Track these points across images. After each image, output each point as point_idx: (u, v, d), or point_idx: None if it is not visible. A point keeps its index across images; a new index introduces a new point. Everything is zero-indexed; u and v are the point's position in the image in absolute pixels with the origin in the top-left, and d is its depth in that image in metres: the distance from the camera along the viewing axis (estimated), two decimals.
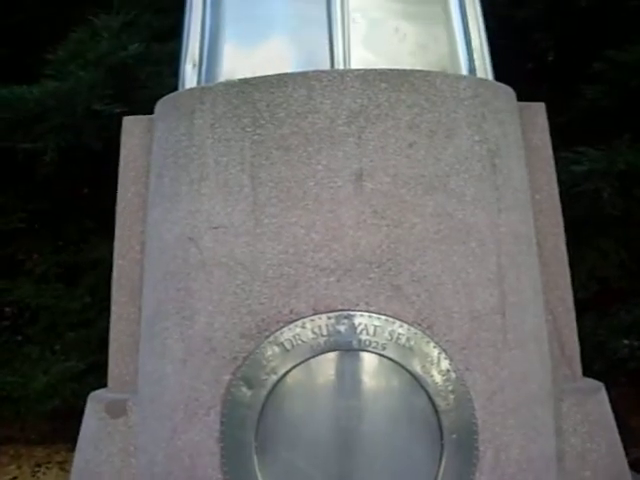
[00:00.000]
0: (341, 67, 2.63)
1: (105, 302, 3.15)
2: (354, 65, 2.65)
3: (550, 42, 5.73)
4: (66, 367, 5.72)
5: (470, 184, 2.62)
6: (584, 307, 3.95)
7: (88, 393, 3.02)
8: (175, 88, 3.10)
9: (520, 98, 3.04)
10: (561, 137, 3.34)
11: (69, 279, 6.40)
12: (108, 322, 3.02)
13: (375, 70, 2.55)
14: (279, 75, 2.56)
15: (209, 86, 2.73)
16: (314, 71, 2.55)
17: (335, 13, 2.67)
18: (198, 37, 2.97)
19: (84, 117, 5.01)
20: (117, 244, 3.06)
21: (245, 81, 2.60)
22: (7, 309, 7.06)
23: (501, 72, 3.17)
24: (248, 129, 2.55)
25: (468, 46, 2.99)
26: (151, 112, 3.03)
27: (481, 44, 3.09)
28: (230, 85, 2.63)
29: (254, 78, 2.59)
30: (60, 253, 6.38)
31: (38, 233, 6.42)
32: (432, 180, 2.55)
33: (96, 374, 4.92)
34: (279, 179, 2.51)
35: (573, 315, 3.00)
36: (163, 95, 2.97)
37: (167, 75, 4.96)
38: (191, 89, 2.85)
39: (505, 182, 2.74)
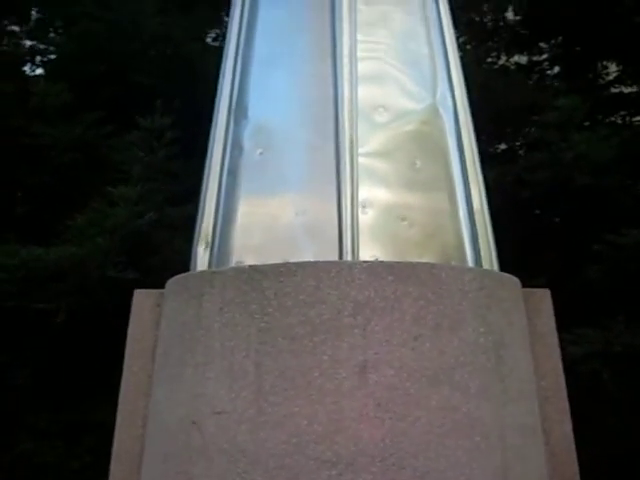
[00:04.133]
0: (349, 258, 2.69)
1: (105, 465, 3.10)
2: (362, 256, 2.72)
3: (553, 222, 5.90)
4: None
5: (475, 376, 2.62)
6: None
7: None
8: (187, 255, 3.18)
9: (524, 275, 3.09)
10: (559, 317, 3.37)
11: (70, 437, 6.30)
12: None
13: (382, 263, 2.61)
14: (288, 264, 2.62)
15: (219, 270, 2.80)
16: (322, 262, 2.61)
17: (345, 208, 2.76)
18: (212, 219, 3.07)
19: (98, 282, 5.13)
20: (119, 417, 3.05)
21: (255, 268, 2.66)
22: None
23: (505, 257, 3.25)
24: (256, 316, 2.59)
25: (474, 236, 3.07)
26: (163, 279, 3.09)
27: (486, 230, 3.17)
28: (240, 271, 2.69)
29: (264, 266, 2.65)
30: (62, 411, 6.31)
31: (42, 389, 6.38)
32: (437, 373, 2.55)
33: None
34: (284, 368, 2.52)
35: None
36: (175, 261, 3.05)
37: (180, 241, 5.09)
38: (202, 272, 2.91)
39: (511, 373, 2.74)
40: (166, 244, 5.40)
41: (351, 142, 2.86)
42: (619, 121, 9.56)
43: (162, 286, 3.10)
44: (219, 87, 3.31)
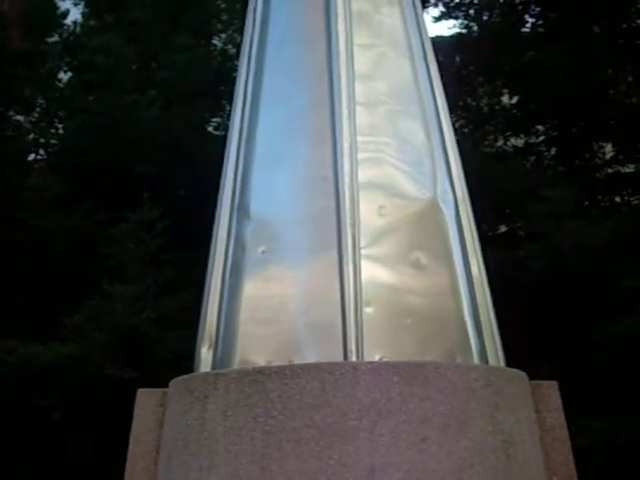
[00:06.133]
0: (354, 359, 2.67)
1: None
2: (366, 355, 2.70)
3: (553, 308, 5.90)
4: None
5: (484, 477, 2.57)
6: None
7: None
8: (186, 347, 3.16)
9: (526, 363, 3.06)
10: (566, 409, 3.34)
11: None
12: None
13: (387, 363, 2.59)
14: (292, 366, 2.60)
15: (223, 372, 2.78)
16: (326, 363, 2.60)
17: (348, 308, 2.76)
18: (215, 319, 3.06)
19: (95, 380, 5.10)
20: None
21: (258, 370, 2.64)
22: None
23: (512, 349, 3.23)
24: (260, 419, 2.56)
25: (478, 330, 3.07)
26: (162, 375, 3.07)
27: (490, 324, 3.16)
28: (244, 373, 2.67)
29: (267, 367, 2.64)
30: None
31: None
32: (445, 475, 2.50)
33: None
34: (290, 472, 2.47)
35: None
36: (174, 359, 3.03)
37: (178, 333, 5.09)
38: (205, 373, 2.89)
39: (521, 471, 2.69)
40: (164, 339, 5.39)
41: (353, 242, 2.88)
42: (617, 200, 9.68)
43: (162, 382, 3.08)
44: (221, 185, 3.35)
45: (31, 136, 10.21)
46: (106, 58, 8.33)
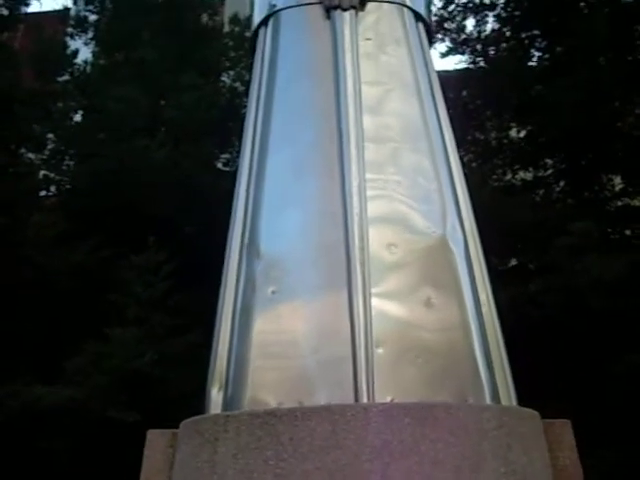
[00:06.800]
0: (365, 400, 2.65)
1: None
2: (377, 396, 2.68)
3: (566, 343, 5.86)
4: None
5: None
6: None
7: None
8: (192, 392, 3.14)
9: (539, 400, 3.03)
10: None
11: None
12: None
13: (398, 405, 2.57)
14: (303, 408, 2.59)
15: (233, 414, 2.75)
16: (337, 405, 2.58)
17: (359, 347, 2.74)
18: (225, 359, 3.04)
19: (99, 422, 5.08)
20: None
21: (269, 412, 2.62)
22: None
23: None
24: (271, 462, 2.53)
25: (490, 368, 3.04)
26: (168, 416, 3.05)
27: (502, 362, 3.14)
28: (254, 415, 2.65)
29: (278, 410, 2.62)
30: None
31: None
32: None
33: None
34: None
35: None
36: (179, 399, 3.01)
37: (184, 374, 5.06)
38: (216, 415, 2.87)
39: None
40: (169, 379, 5.37)
41: (363, 282, 2.87)
42: (627, 232, 9.63)
43: (168, 422, 3.06)
44: (230, 225, 3.36)
45: (42, 173, 10.28)
46: (117, 103, 8.40)
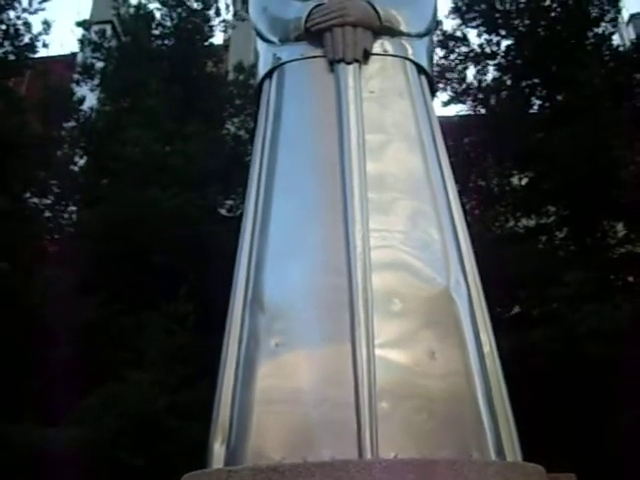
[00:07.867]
0: (368, 456, 2.63)
1: None
2: (381, 451, 2.66)
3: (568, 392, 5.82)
4: None
5: None
6: None
7: None
8: (199, 440, 3.11)
9: (543, 452, 3.00)
10: None
11: None
12: None
13: (402, 461, 2.55)
14: (306, 464, 2.56)
15: (236, 469, 2.73)
16: (341, 461, 2.55)
17: (363, 402, 2.73)
18: (228, 413, 3.03)
19: (107, 464, 5.03)
20: None
21: (272, 467, 2.59)
22: None
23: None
24: None
25: (494, 423, 3.02)
26: (174, 465, 3.02)
27: (506, 416, 3.12)
28: (257, 470, 2.62)
29: (281, 465, 2.59)
30: None
31: None
32: None
33: None
34: None
35: None
36: (190, 450, 2.98)
37: (193, 426, 5.02)
38: (218, 470, 2.84)
39: None
40: (181, 428, 5.32)
41: (367, 333, 2.87)
42: (630, 279, 9.61)
43: (176, 471, 3.04)
44: (234, 278, 3.36)
45: (46, 214, 10.30)
46: (124, 147, 8.45)
